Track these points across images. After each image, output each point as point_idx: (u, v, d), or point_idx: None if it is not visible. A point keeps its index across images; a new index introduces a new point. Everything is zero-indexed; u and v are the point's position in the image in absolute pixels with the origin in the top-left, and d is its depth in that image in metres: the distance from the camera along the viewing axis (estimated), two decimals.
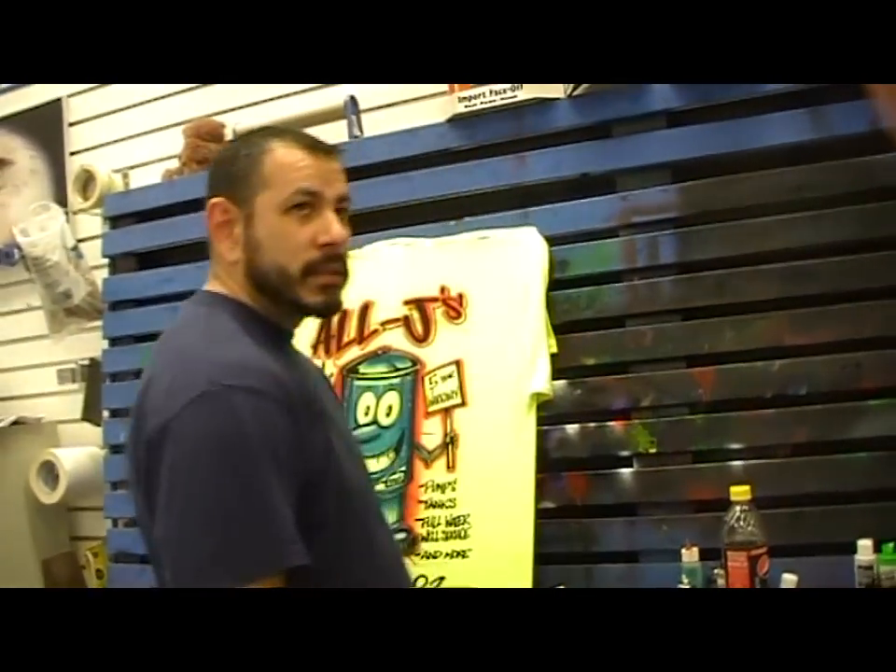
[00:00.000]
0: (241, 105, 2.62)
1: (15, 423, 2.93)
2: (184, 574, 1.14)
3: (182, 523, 1.14)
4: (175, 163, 2.63)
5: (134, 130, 2.81)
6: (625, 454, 2.04)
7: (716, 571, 1.85)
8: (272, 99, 2.55)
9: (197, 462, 1.15)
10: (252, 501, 1.14)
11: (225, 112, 2.64)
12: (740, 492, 1.76)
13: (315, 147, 1.32)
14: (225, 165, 1.35)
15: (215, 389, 1.17)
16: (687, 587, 1.85)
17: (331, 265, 1.31)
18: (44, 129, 2.95)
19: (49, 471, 2.81)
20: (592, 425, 2.07)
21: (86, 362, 2.92)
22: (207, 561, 1.13)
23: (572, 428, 2.07)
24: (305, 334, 2.25)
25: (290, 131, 1.38)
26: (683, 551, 1.89)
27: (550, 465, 2.05)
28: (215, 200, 1.32)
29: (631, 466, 2.04)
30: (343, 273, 1.33)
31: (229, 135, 2.59)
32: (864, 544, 1.73)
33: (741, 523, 1.75)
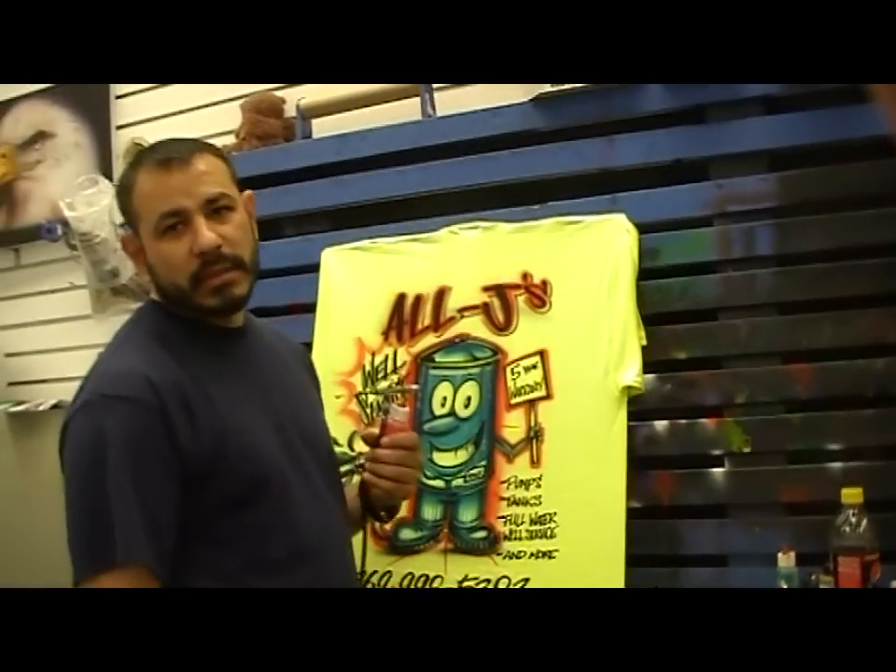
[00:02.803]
0: None
1: (55, 406, 2.82)
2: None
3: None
4: (231, 140, 2.53)
5: (187, 104, 2.70)
6: (717, 452, 1.95)
7: (815, 577, 1.78)
8: None
9: (71, 467, 1.37)
10: (103, 505, 1.30)
11: (286, 87, 2.53)
12: (852, 494, 1.68)
13: (168, 162, 1.43)
14: (118, 200, 1.54)
15: (94, 399, 1.38)
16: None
17: (214, 268, 1.43)
18: (90, 101, 2.84)
19: None
20: (682, 421, 1.98)
21: None
22: (73, 556, 1.34)
23: (661, 425, 1.98)
24: (375, 320, 2.16)
25: (152, 149, 1.51)
26: (780, 555, 1.80)
27: (637, 462, 1.95)
28: (123, 235, 1.54)
29: (722, 465, 1.95)
30: (233, 268, 1.45)
31: (290, 111, 2.50)
32: None
33: (852, 527, 1.67)
